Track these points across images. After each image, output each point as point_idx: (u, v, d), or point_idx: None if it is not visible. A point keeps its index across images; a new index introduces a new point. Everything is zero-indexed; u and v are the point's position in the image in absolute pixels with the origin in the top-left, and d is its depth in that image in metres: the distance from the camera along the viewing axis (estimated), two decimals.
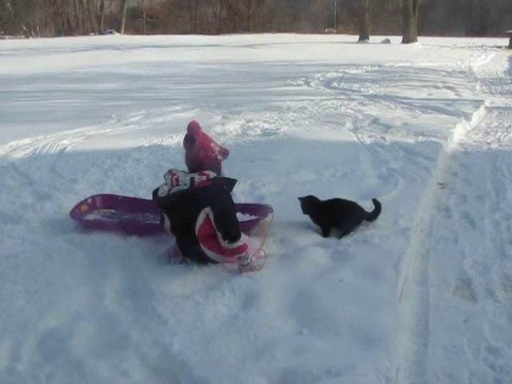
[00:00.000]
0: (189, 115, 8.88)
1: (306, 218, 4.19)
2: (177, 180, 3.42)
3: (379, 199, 4.60)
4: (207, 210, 3.35)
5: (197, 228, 3.38)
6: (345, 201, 4.23)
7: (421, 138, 7.20)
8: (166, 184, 3.49)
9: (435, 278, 3.56)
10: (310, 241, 3.86)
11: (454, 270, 3.65)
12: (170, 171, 3.54)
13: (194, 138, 3.69)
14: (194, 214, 3.37)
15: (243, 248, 3.39)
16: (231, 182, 3.60)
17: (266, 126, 8.06)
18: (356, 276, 3.38)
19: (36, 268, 3.51)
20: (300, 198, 4.21)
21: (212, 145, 3.69)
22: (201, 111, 9.54)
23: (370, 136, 7.38)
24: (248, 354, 2.64)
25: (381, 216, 4.27)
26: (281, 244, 3.82)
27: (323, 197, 4.30)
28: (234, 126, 8.03)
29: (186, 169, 3.59)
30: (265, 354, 2.63)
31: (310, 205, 4.20)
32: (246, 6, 66.94)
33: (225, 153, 3.80)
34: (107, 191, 4.97)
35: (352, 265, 3.52)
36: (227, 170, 5.36)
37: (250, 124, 8.17)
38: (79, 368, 2.56)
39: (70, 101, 11.28)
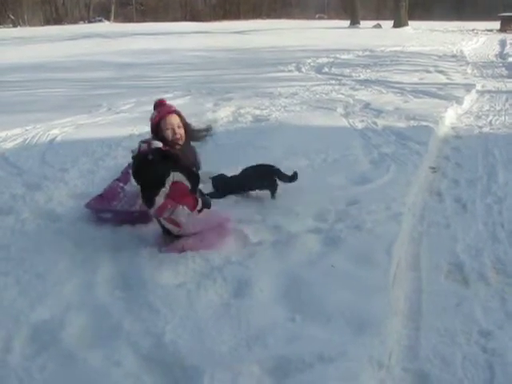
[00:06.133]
0: (180, 102, 8.81)
1: (298, 204, 4.22)
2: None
3: (371, 184, 4.66)
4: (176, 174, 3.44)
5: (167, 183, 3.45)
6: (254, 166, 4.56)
7: (412, 123, 7.19)
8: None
9: (427, 263, 3.56)
10: (302, 227, 3.85)
11: (447, 255, 3.66)
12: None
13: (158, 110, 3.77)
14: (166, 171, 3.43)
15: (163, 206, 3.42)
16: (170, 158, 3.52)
17: (258, 112, 8.02)
18: (348, 262, 3.37)
19: (27, 259, 3.49)
20: (212, 178, 4.51)
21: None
22: (192, 98, 9.49)
23: (361, 121, 7.36)
24: (240, 342, 2.63)
25: (373, 201, 4.28)
26: (273, 231, 3.81)
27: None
28: (225, 113, 7.99)
29: None
30: (257, 341, 2.63)
31: (223, 181, 4.52)
32: None
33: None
34: (98, 181, 4.95)
35: (344, 250, 3.51)
36: (220, 157, 5.38)
37: (242, 111, 8.13)
38: (71, 359, 2.54)
39: (59, 90, 11.19)
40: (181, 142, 3.61)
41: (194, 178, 3.53)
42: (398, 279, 3.31)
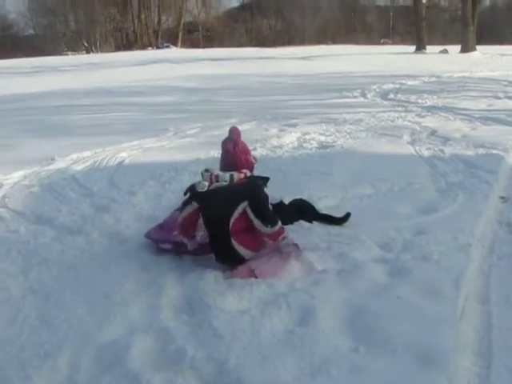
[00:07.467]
0: (245, 128, 8.91)
1: (363, 232, 4.18)
2: (217, 177, 3.82)
3: (439, 214, 4.57)
4: (245, 204, 3.58)
5: (231, 221, 3.53)
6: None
7: (481, 151, 7.02)
8: (204, 180, 3.80)
9: (498, 297, 3.43)
10: (368, 256, 3.80)
11: None
12: (207, 170, 3.94)
13: (236, 142, 4.18)
14: (231, 208, 3.56)
15: (282, 229, 3.71)
16: (265, 179, 3.99)
17: (323, 138, 8.02)
18: (414, 293, 3.29)
19: (95, 279, 3.58)
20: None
21: (250, 150, 4.23)
22: (257, 124, 9.58)
23: (428, 148, 7.24)
24: (304, 371, 2.60)
25: (440, 231, 4.19)
26: (338, 259, 3.77)
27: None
28: (290, 139, 8.02)
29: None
30: (321, 371, 2.59)
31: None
32: (301, 18, 66.97)
33: (256, 158, 4.61)
34: (165, 204, 5.04)
35: (410, 281, 3.43)
36: (284, 183, 5.41)
37: (307, 137, 8.14)
38: (135, 381, 2.58)
39: (128, 114, 11.52)
40: None
41: None
42: (467, 313, 3.20)
